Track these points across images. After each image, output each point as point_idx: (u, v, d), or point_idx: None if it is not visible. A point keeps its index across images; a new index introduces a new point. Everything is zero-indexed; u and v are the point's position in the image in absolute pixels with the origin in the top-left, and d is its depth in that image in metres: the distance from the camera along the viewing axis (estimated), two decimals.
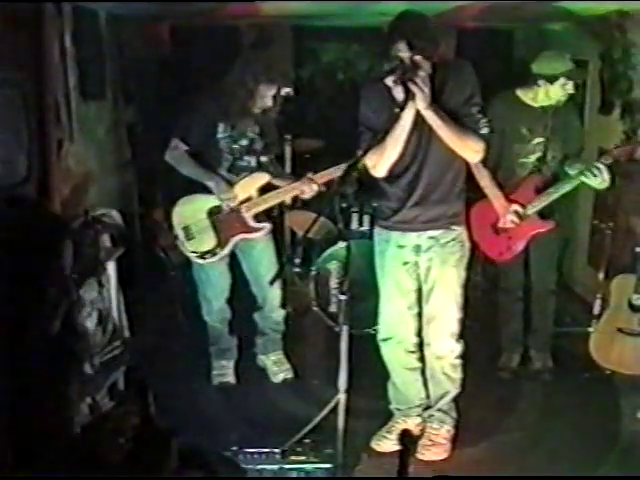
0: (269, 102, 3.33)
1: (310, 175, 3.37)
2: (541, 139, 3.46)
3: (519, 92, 3.49)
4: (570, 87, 3.36)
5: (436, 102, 2.60)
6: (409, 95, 2.51)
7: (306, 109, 3.53)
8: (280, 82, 3.33)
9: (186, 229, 3.41)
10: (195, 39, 5.54)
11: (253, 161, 3.44)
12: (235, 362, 3.79)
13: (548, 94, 3.38)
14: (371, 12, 4.41)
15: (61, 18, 3.71)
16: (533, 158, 3.48)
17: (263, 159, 3.49)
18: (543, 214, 3.49)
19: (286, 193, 3.44)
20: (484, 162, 3.45)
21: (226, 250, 3.43)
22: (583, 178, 3.31)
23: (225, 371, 3.73)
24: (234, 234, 3.41)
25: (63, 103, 3.73)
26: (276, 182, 3.48)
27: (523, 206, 3.46)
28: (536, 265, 3.67)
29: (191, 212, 3.40)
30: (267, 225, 3.48)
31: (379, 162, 2.74)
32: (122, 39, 4.76)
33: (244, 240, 3.46)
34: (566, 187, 3.41)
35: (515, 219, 3.44)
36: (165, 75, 5.55)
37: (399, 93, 2.55)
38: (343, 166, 3.14)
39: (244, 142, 3.40)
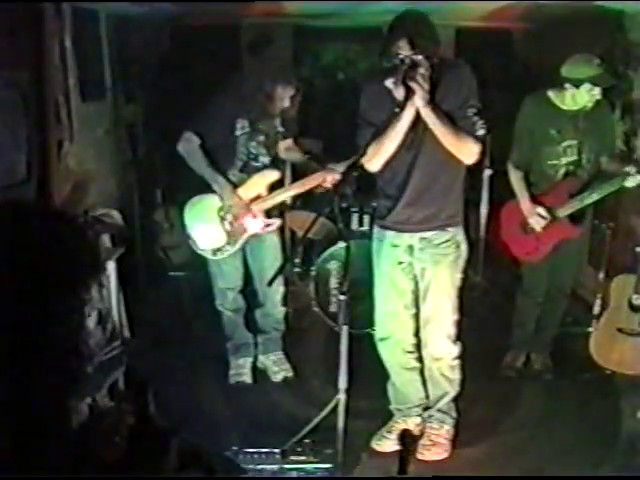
0: (287, 103, 3.36)
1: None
2: (572, 142, 3.38)
3: (550, 93, 3.41)
4: (597, 93, 3.27)
5: (433, 102, 2.60)
6: (409, 94, 2.51)
7: (306, 109, 3.54)
8: (297, 83, 3.35)
9: (197, 227, 3.44)
10: (195, 39, 5.54)
11: (267, 161, 3.47)
12: (252, 362, 3.79)
13: (575, 99, 3.30)
14: (371, 12, 4.42)
15: (61, 18, 3.71)
16: (565, 161, 3.41)
17: (275, 155, 3.51)
18: (574, 218, 3.45)
19: (293, 189, 3.49)
20: (516, 163, 3.46)
21: (237, 246, 3.47)
22: (624, 183, 3.25)
23: (241, 370, 3.73)
24: (244, 230, 3.44)
25: (63, 103, 3.74)
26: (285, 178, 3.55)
27: (553, 208, 3.41)
28: (559, 267, 3.62)
29: (202, 210, 3.44)
30: (276, 221, 3.52)
31: (375, 156, 2.73)
32: (122, 39, 4.76)
33: (254, 236, 3.49)
34: (601, 192, 3.34)
35: (540, 221, 3.41)
36: (165, 75, 5.55)
37: (399, 93, 2.55)
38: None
39: (261, 138, 3.42)
